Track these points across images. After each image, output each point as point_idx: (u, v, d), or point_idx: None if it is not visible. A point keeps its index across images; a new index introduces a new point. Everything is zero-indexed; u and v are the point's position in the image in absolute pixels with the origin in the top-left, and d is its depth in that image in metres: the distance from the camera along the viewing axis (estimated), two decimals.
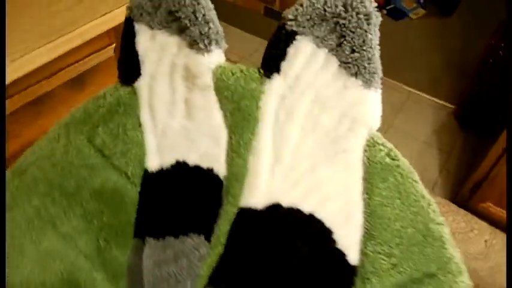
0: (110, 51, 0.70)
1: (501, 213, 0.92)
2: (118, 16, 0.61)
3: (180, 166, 0.44)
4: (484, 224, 0.98)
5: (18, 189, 0.45)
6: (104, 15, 0.60)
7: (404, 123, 1.19)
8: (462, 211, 1.00)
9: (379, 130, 0.40)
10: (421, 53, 1.40)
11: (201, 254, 0.40)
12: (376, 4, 0.37)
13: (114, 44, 0.68)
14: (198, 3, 0.41)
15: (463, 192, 0.97)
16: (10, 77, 0.54)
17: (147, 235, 0.42)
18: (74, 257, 0.41)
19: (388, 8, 1.54)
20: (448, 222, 0.40)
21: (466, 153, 1.12)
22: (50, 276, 0.40)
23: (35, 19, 0.59)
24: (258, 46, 1.41)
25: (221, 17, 0.43)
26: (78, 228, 0.42)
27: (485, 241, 0.96)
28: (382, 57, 0.38)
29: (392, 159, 0.39)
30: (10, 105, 0.63)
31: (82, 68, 0.68)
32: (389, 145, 0.40)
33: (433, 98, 1.25)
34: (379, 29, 0.38)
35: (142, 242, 0.42)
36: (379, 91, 0.39)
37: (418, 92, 1.27)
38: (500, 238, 0.96)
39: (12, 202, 0.44)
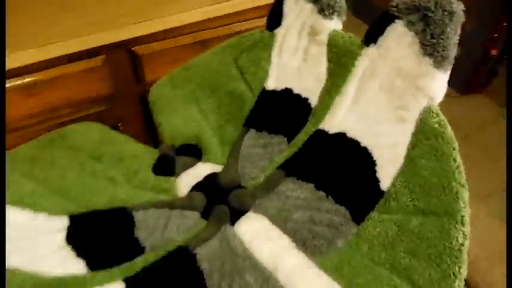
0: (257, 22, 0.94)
1: None
2: None
3: (287, 91, 0.62)
4: None
5: (183, 77, 0.69)
6: None
7: None
8: None
9: None
10: None
11: (281, 149, 0.59)
12: (463, 6, 0.50)
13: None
14: None
15: None
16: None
17: (251, 127, 0.62)
18: (204, 125, 0.63)
19: None
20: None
21: None
22: (187, 130, 0.63)
23: None
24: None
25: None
26: (211, 109, 0.64)
27: None
28: None
29: (440, 125, 0.52)
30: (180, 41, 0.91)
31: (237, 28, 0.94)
32: (442, 117, 0.53)
33: None
34: None
35: (247, 130, 0.62)
36: (446, 73, 0.52)
37: None
38: None
39: (177, 84, 0.68)
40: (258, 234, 0.52)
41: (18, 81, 0.95)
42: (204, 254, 0.49)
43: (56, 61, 0.94)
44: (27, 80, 0.96)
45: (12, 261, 0.38)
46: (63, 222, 0.46)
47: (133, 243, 0.48)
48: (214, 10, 0.95)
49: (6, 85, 0.97)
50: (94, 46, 0.96)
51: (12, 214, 0.44)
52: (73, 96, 1.05)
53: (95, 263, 0.44)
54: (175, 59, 1.06)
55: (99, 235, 0.47)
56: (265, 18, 0.84)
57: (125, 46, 1.03)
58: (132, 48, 1.05)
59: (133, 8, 1.01)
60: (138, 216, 0.51)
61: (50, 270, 0.40)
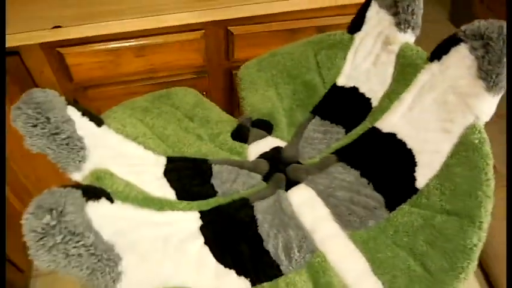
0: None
1: None
2: None
3: (354, 89, 0.72)
4: None
5: (268, 62, 0.81)
6: None
7: None
8: None
9: None
10: None
11: (338, 137, 0.70)
12: None
13: None
14: (414, 1, 0.66)
15: None
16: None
17: (317, 114, 0.73)
18: (278, 106, 0.75)
19: None
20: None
21: None
22: (264, 108, 0.76)
23: None
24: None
25: None
26: (287, 94, 0.76)
27: None
28: None
29: (479, 142, 0.59)
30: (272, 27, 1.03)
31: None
32: (484, 135, 0.59)
33: None
34: None
35: (313, 117, 0.73)
36: (496, 97, 0.58)
37: None
38: None
39: (263, 68, 0.81)
40: (304, 202, 0.64)
41: (131, 43, 1.15)
42: (260, 208, 0.62)
43: (163, 30, 1.13)
44: (138, 42, 1.16)
45: (130, 178, 0.54)
46: (162, 160, 0.62)
47: (209, 188, 0.63)
48: (306, 3, 1.06)
49: (121, 45, 1.19)
50: (199, 21, 1.12)
51: (131, 147, 0.60)
52: (172, 62, 1.24)
53: (181, 195, 0.59)
54: (264, 43, 1.20)
55: (186, 175, 0.62)
56: (347, 16, 0.93)
57: (223, 24, 1.19)
58: (229, 27, 1.21)
59: None
60: (215, 168, 0.66)
61: (151, 192, 0.56)
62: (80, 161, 0.50)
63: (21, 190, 1.53)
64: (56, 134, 0.48)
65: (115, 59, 1.20)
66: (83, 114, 0.55)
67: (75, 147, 0.49)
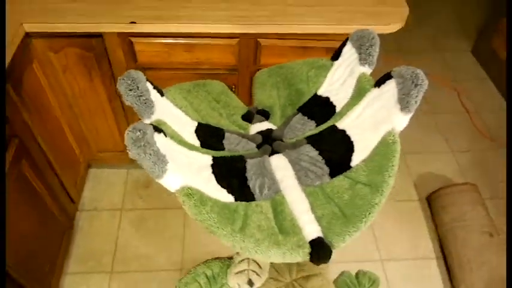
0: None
1: None
2: None
3: (326, 99, 1.08)
4: None
5: (276, 72, 1.17)
6: None
7: None
8: None
9: None
10: None
11: (310, 128, 1.05)
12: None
13: None
14: (371, 46, 1.01)
15: None
16: None
17: (300, 112, 1.09)
18: (277, 102, 1.12)
19: None
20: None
21: None
22: (267, 102, 1.12)
23: None
24: None
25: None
26: (284, 95, 1.12)
27: None
28: None
29: (392, 142, 0.93)
30: (289, 43, 1.42)
31: None
32: (397, 138, 0.93)
33: None
34: None
35: (297, 113, 1.09)
36: (406, 115, 0.92)
37: None
38: None
39: (271, 75, 1.17)
40: (279, 164, 1.00)
41: (183, 41, 1.58)
42: (250, 162, 0.99)
43: (209, 34, 1.56)
44: (188, 41, 1.59)
45: (175, 128, 0.92)
46: (195, 123, 1.00)
47: (221, 145, 1.01)
48: (320, 29, 1.45)
49: (175, 41, 1.63)
50: (236, 32, 1.54)
51: (178, 112, 0.98)
52: (212, 59, 1.64)
53: (203, 145, 0.97)
54: (283, 54, 1.58)
55: (208, 135, 1.00)
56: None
57: (254, 36, 1.61)
58: (258, 39, 1.62)
59: (270, 12, 1.58)
60: (227, 135, 1.03)
61: (185, 138, 0.94)
62: (151, 114, 0.89)
63: (82, 141, 1.98)
64: (141, 96, 0.86)
65: (169, 51, 1.62)
66: (154, 88, 0.94)
67: (150, 105, 0.88)
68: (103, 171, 2.16)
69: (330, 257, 0.87)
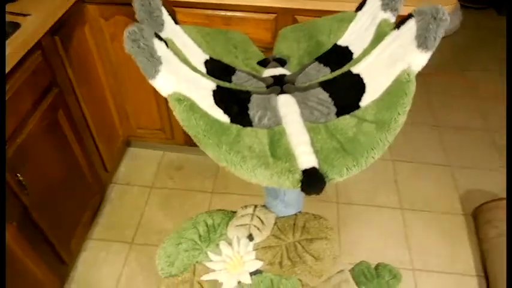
0: None
1: None
2: None
3: (345, 47, 1.04)
4: None
5: (299, 28, 1.16)
6: None
7: None
8: None
9: None
10: None
11: (325, 74, 1.01)
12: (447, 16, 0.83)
13: None
14: None
15: None
16: None
17: (317, 60, 1.06)
18: (296, 52, 1.10)
19: None
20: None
21: None
22: (285, 52, 1.11)
23: None
24: None
25: None
26: (303, 47, 1.10)
27: None
28: None
29: (406, 81, 0.86)
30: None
31: None
32: (412, 77, 0.86)
33: None
34: None
35: (314, 61, 1.06)
36: (423, 53, 0.85)
37: None
38: None
39: (294, 30, 1.16)
40: (285, 102, 0.97)
41: (221, 13, 1.62)
42: (255, 96, 0.97)
43: (246, 8, 1.59)
44: (226, 13, 1.63)
45: (183, 51, 0.93)
46: (206, 56, 1.02)
47: (229, 79, 1.00)
48: (348, 7, 1.41)
49: (214, 13, 1.68)
50: (274, 6, 1.55)
51: (190, 41, 1.00)
52: (248, 34, 1.65)
53: (209, 73, 0.97)
54: None
55: (217, 68, 1.00)
56: None
57: (291, 13, 1.61)
58: (295, 16, 1.62)
59: None
60: (238, 72, 1.03)
61: (192, 62, 0.95)
62: (159, 31, 0.91)
63: (123, 114, 2.07)
64: (152, 12, 0.90)
65: (209, 22, 1.67)
66: (169, 14, 0.97)
67: (160, 22, 0.91)
68: (141, 150, 2.24)
69: (322, 189, 0.80)
